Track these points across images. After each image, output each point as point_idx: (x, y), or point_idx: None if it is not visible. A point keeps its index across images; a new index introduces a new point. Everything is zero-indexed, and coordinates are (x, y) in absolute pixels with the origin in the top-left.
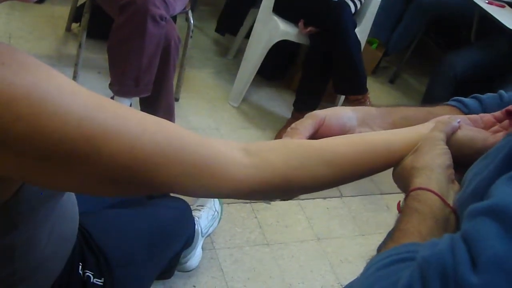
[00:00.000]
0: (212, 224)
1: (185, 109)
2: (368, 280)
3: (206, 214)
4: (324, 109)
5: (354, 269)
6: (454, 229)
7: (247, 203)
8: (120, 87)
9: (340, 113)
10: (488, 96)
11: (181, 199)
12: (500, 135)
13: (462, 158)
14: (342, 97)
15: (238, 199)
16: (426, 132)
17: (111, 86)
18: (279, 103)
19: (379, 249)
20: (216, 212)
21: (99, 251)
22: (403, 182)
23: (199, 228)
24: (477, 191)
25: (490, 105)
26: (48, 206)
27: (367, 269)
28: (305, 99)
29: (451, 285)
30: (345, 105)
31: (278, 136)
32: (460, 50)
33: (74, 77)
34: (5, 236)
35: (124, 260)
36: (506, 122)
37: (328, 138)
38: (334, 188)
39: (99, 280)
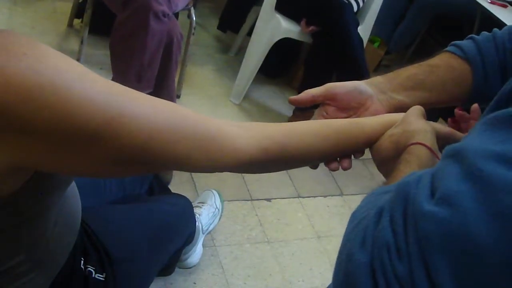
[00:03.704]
0: (213, 221)
1: (186, 106)
2: (358, 208)
3: (207, 211)
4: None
5: None
6: None
7: (247, 200)
8: (122, 83)
9: (351, 83)
10: (483, 36)
11: (182, 195)
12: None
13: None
14: None
15: (240, 172)
16: (399, 115)
17: (113, 80)
18: (281, 101)
19: None
20: (216, 209)
21: (101, 247)
22: (393, 147)
23: (200, 225)
24: None
25: (485, 48)
26: (54, 198)
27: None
28: None
29: (409, 210)
30: None
31: None
32: None
33: None
34: (11, 227)
35: (125, 255)
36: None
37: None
38: (334, 187)
39: (101, 276)
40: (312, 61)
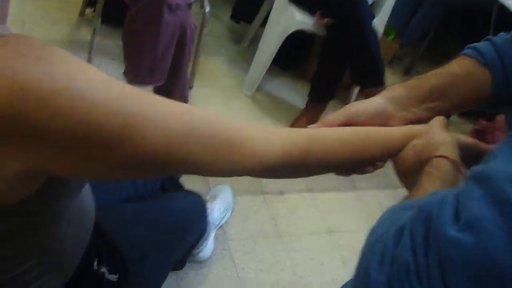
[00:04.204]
0: (225, 216)
1: (199, 97)
2: (377, 223)
3: (219, 205)
4: (355, 102)
5: None
6: None
7: (259, 195)
8: (134, 75)
9: (369, 102)
10: (501, 39)
11: (195, 192)
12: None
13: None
14: (356, 90)
15: (261, 176)
16: (422, 126)
17: (125, 74)
18: (294, 93)
19: None
20: (228, 204)
21: (114, 246)
22: (416, 158)
23: (212, 220)
24: None
25: (505, 51)
26: (66, 202)
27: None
28: (320, 90)
29: (432, 232)
30: (360, 98)
31: (292, 126)
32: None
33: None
34: (22, 234)
35: (139, 255)
36: None
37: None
38: (347, 181)
39: (114, 276)
40: (326, 54)
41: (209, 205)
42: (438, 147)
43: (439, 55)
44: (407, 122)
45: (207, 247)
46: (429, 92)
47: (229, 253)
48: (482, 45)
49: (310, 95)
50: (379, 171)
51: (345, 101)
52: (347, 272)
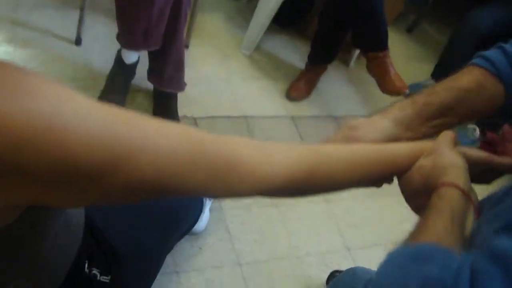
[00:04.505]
0: None
1: (195, 57)
2: (384, 270)
3: None
4: (359, 120)
5: (361, 234)
6: (471, 225)
7: None
8: (128, 39)
9: (375, 126)
10: None
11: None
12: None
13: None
14: (356, 52)
15: (266, 197)
16: (429, 143)
17: (118, 38)
18: (293, 52)
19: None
20: None
21: (106, 244)
22: (423, 181)
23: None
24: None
25: None
26: (52, 220)
27: (385, 262)
28: (320, 52)
29: None
30: (360, 59)
31: (291, 88)
32: (485, 5)
33: (80, 22)
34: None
35: (132, 252)
36: None
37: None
38: None
39: (106, 277)
40: (327, 14)
41: None
42: (446, 171)
43: (446, 13)
44: (413, 140)
45: (203, 219)
46: (439, 109)
47: (225, 224)
48: (493, 54)
49: (310, 56)
50: None
51: (346, 62)
52: (343, 242)
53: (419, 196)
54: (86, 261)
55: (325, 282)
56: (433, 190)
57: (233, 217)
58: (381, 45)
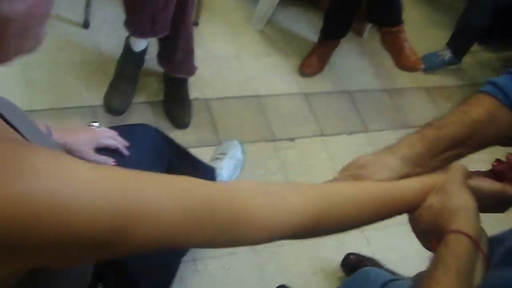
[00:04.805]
0: (234, 174)
1: (205, 34)
2: None
3: (228, 164)
4: (367, 158)
5: None
6: (481, 274)
7: (270, 141)
8: (135, 27)
9: (383, 164)
10: None
11: (205, 165)
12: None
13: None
14: (369, 25)
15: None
16: (439, 176)
17: (125, 24)
18: (306, 25)
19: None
20: (238, 161)
21: (117, 263)
22: (432, 222)
23: (221, 180)
24: None
25: None
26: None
27: None
28: (333, 26)
29: None
30: (373, 33)
31: (303, 64)
32: None
33: (87, 5)
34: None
35: (144, 266)
36: None
37: (350, 182)
38: (359, 122)
39: None
40: None
41: (218, 165)
42: (455, 215)
43: None
44: (423, 174)
45: None
46: (450, 143)
47: None
48: (504, 81)
49: (323, 31)
50: (391, 110)
51: (359, 32)
52: (361, 229)
53: (428, 235)
54: (100, 284)
55: (340, 264)
56: (441, 233)
57: None
58: (396, 20)
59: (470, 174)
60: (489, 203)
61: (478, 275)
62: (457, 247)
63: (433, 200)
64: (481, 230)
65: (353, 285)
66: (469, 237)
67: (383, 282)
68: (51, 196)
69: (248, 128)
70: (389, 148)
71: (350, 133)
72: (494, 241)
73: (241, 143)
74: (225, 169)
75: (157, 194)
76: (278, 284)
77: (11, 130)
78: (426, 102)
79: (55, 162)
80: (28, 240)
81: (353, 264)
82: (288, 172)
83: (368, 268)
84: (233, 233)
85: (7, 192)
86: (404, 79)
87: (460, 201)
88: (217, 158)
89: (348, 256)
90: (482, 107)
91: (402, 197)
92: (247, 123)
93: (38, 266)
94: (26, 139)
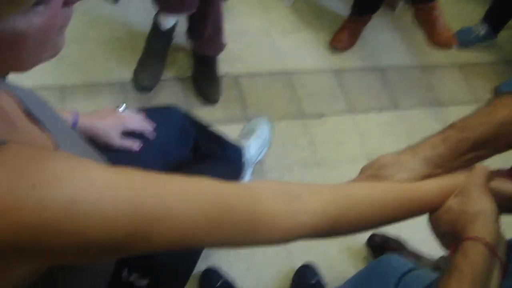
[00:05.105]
0: (261, 152)
1: (235, 10)
2: None
3: (256, 142)
4: (388, 158)
5: None
6: (497, 282)
7: (299, 118)
8: (164, 3)
9: (404, 165)
10: None
11: (232, 146)
12: None
13: None
14: (402, 1)
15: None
16: (461, 178)
17: (155, 1)
18: (336, 0)
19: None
20: (266, 140)
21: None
22: (450, 225)
23: (248, 159)
24: None
25: None
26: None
27: None
28: (365, 1)
29: None
30: (407, 11)
31: (334, 40)
32: None
33: None
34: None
35: (169, 255)
36: None
37: (370, 182)
38: (389, 100)
39: (144, 281)
40: None
41: (245, 143)
42: (474, 220)
43: None
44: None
45: None
46: (474, 144)
47: None
48: None
49: (354, 6)
50: (422, 87)
51: (391, 6)
52: None
53: (447, 237)
54: (126, 268)
55: (366, 242)
56: (459, 238)
57: (275, 178)
58: None
59: (491, 176)
60: (509, 205)
61: (494, 283)
62: (473, 255)
63: (453, 203)
64: (500, 236)
65: (374, 272)
66: (487, 244)
67: (403, 272)
68: (71, 203)
69: (277, 104)
70: (411, 148)
71: (380, 111)
72: None
73: (270, 120)
74: (252, 147)
75: (174, 197)
76: (303, 262)
77: (38, 131)
78: (459, 80)
79: (76, 168)
80: (47, 244)
81: (378, 244)
82: (316, 149)
83: (389, 256)
84: (249, 234)
85: (25, 198)
86: (436, 55)
87: (480, 205)
88: (244, 136)
89: (373, 236)
90: (507, 109)
91: (422, 199)
92: (276, 99)
93: (58, 264)
94: (52, 134)
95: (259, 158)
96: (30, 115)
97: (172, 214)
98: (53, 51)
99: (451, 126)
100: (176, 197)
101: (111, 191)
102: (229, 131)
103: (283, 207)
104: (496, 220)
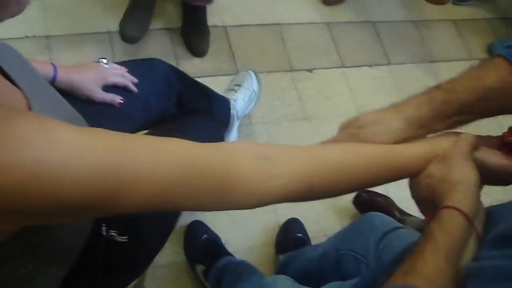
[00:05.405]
0: (249, 106)
1: None
2: None
3: (243, 95)
4: (368, 117)
5: None
6: (472, 253)
7: (288, 71)
8: None
9: (385, 125)
10: None
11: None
12: None
13: None
14: None
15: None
16: (445, 144)
17: None
18: None
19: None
20: (253, 93)
21: None
22: (430, 191)
23: (235, 112)
24: None
25: None
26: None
27: None
28: None
29: None
30: None
31: None
32: None
33: None
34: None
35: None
36: None
37: (348, 144)
38: (381, 54)
39: (123, 238)
40: None
41: (232, 96)
42: (454, 189)
43: None
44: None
45: (230, 139)
46: (459, 108)
47: (253, 139)
48: None
49: None
50: (415, 43)
51: None
52: None
53: (426, 203)
54: (104, 225)
55: (352, 200)
56: (437, 205)
57: (262, 132)
58: None
59: (477, 145)
60: (493, 178)
61: (469, 254)
62: (450, 224)
63: (434, 169)
64: (479, 208)
65: (357, 230)
66: (464, 214)
67: (385, 231)
68: (37, 164)
69: (266, 57)
70: (394, 107)
71: (371, 65)
72: (493, 216)
73: (257, 74)
74: (239, 100)
75: (144, 158)
76: (289, 217)
77: (8, 86)
78: (453, 35)
79: (44, 130)
80: (16, 205)
81: (365, 201)
82: (305, 104)
83: (373, 213)
84: (223, 198)
85: None
86: (431, 10)
87: (462, 174)
88: (232, 89)
89: (360, 193)
90: (497, 73)
91: (403, 165)
92: (265, 52)
93: (30, 224)
94: (24, 90)
95: (246, 111)
96: (0, 71)
97: (142, 176)
98: (17, 7)
99: (438, 87)
100: (146, 158)
101: (79, 152)
102: (218, 83)
103: (258, 170)
104: (477, 191)
